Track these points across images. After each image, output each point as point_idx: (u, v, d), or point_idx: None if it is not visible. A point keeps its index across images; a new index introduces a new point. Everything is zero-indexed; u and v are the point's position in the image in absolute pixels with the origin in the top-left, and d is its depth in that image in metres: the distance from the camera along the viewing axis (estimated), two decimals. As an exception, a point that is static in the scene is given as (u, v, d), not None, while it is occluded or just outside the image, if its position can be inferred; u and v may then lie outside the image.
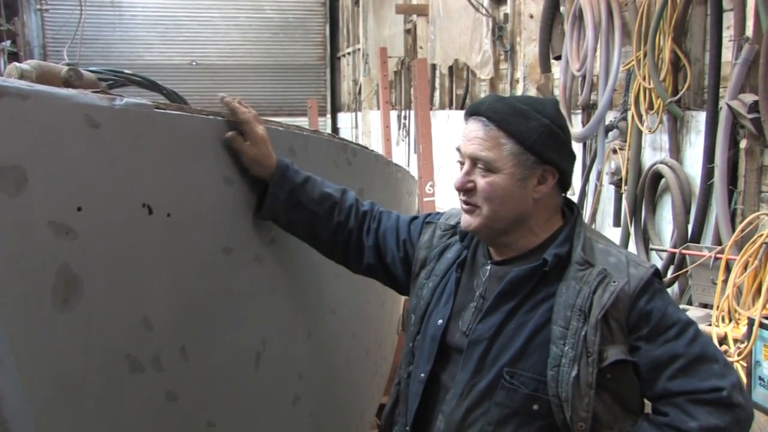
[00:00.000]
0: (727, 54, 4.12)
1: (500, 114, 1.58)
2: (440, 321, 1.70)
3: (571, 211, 1.71)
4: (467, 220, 1.65)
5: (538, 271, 1.60)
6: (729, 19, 4.07)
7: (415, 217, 1.96)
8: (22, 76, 1.52)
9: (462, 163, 1.65)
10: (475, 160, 1.60)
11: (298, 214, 1.86)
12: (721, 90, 4.15)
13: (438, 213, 1.95)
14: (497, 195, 1.58)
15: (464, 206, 1.66)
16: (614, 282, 1.54)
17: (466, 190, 1.62)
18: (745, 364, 2.90)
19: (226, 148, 1.71)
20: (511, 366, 1.57)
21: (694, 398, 1.51)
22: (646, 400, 1.62)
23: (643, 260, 1.68)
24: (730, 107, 3.84)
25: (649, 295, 1.55)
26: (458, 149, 1.65)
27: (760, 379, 2.87)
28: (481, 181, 1.59)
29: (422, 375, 1.71)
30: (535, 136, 1.57)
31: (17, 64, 1.55)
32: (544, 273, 1.59)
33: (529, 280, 1.60)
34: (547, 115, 1.59)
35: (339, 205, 1.89)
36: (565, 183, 1.66)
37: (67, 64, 1.69)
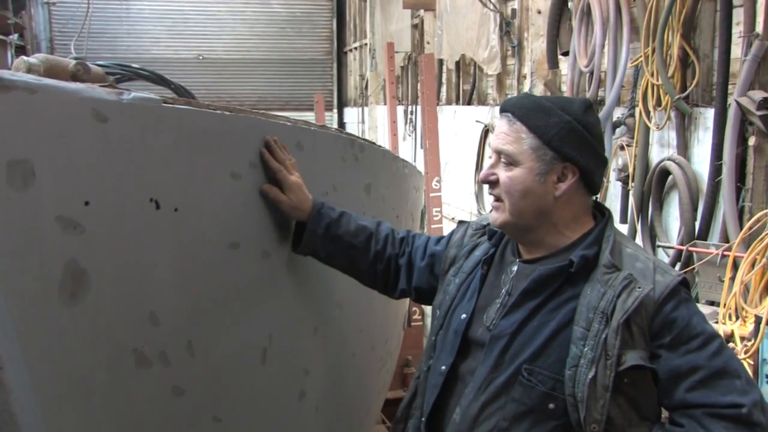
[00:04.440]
0: (736, 50, 4.10)
1: (524, 110, 1.62)
2: (464, 315, 1.72)
3: (602, 214, 1.72)
4: (494, 216, 1.69)
5: (563, 271, 1.61)
6: (739, 15, 4.05)
7: (442, 237, 2.02)
8: (30, 69, 1.51)
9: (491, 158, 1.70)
10: (499, 154, 1.65)
11: (337, 247, 1.95)
12: (730, 87, 4.13)
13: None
14: (516, 189, 1.61)
15: (492, 202, 1.70)
16: (639, 288, 1.53)
17: (489, 182, 1.67)
18: (752, 362, 2.89)
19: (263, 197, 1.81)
20: (530, 363, 1.58)
21: (711, 412, 1.49)
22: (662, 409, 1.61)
23: (671, 268, 1.68)
24: (738, 104, 3.82)
25: (674, 303, 1.54)
26: (489, 145, 1.71)
27: (767, 377, 2.87)
28: (502, 174, 1.63)
29: (443, 368, 1.72)
30: (554, 131, 1.58)
31: (25, 57, 1.55)
32: (570, 273, 1.60)
33: (554, 279, 1.61)
34: (572, 113, 1.61)
35: (375, 235, 1.98)
36: (591, 184, 1.66)
37: (75, 58, 1.69)
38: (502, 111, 1.67)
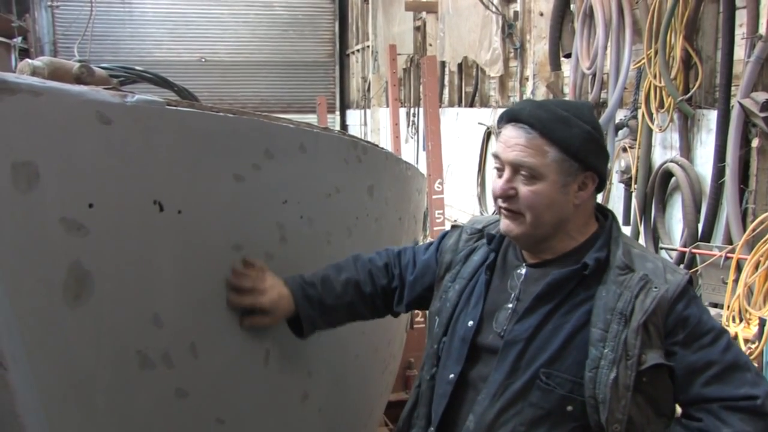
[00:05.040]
0: (739, 52, 4.10)
1: (543, 121, 1.56)
2: (471, 322, 1.70)
3: (603, 215, 1.72)
4: (509, 226, 1.64)
5: (577, 274, 1.60)
6: (742, 17, 4.05)
7: (431, 243, 1.99)
8: (35, 72, 1.52)
9: (499, 169, 1.63)
10: (517, 167, 1.59)
11: (334, 314, 1.91)
12: (732, 88, 4.13)
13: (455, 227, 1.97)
14: (541, 202, 1.58)
15: (505, 212, 1.65)
16: (655, 288, 1.55)
17: (507, 196, 1.61)
18: (756, 365, 2.89)
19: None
20: (548, 367, 1.57)
21: (728, 405, 1.53)
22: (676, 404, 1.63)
23: (677, 266, 1.70)
24: (741, 106, 3.82)
25: (686, 301, 1.57)
26: (496, 155, 1.64)
27: (771, 379, 2.86)
28: (523, 188, 1.58)
29: (451, 376, 1.70)
30: (579, 143, 1.56)
31: (30, 60, 1.56)
32: (583, 276, 1.60)
33: (567, 283, 1.61)
34: (587, 121, 1.60)
35: (360, 281, 1.93)
36: (601, 187, 1.66)
37: (79, 61, 1.69)
38: (512, 120, 1.61)
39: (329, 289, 1.89)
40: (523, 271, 1.69)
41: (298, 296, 1.84)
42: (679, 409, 1.64)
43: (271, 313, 1.78)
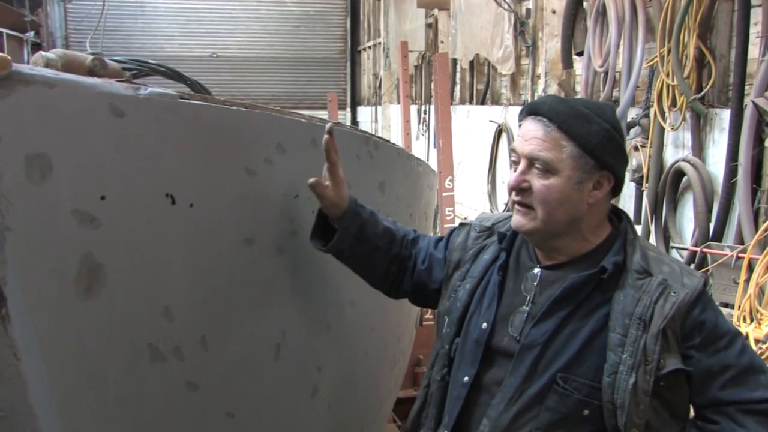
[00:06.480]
0: (753, 51, 4.08)
1: (562, 116, 1.55)
2: (485, 325, 1.68)
3: (617, 216, 1.70)
4: (520, 221, 1.62)
5: (594, 278, 1.59)
6: (756, 15, 4.03)
7: (441, 237, 1.98)
8: (48, 64, 1.53)
9: (515, 162, 1.62)
10: (532, 161, 1.57)
11: (363, 247, 1.88)
12: (746, 87, 4.11)
13: (464, 222, 1.96)
14: (553, 197, 1.56)
15: (518, 207, 1.63)
16: (674, 293, 1.54)
17: (520, 189, 1.59)
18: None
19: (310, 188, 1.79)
20: (565, 371, 1.56)
21: (744, 408, 1.53)
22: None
23: (693, 270, 1.69)
24: (755, 105, 3.80)
25: (702, 306, 1.56)
26: (513, 149, 1.63)
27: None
28: (537, 182, 1.57)
29: (466, 379, 1.69)
30: (597, 140, 1.54)
31: (43, 53, 1.56)
32: (600, 280, 1.59)
33: (585, 286, 1.59)
34: (608, 120, 1.58)
35: (396, 237, 1.93)
36: (618, 188, 1.65)
37: (92, 54, 1.70)
38: (531, 113, 1.60)
39: (374, 222, 1.89)
40: (538, 272, 1.67)
41: (352, 205, 1.84)
42: (692, 411, 1.63)
43: (336, 188, 1.80)
